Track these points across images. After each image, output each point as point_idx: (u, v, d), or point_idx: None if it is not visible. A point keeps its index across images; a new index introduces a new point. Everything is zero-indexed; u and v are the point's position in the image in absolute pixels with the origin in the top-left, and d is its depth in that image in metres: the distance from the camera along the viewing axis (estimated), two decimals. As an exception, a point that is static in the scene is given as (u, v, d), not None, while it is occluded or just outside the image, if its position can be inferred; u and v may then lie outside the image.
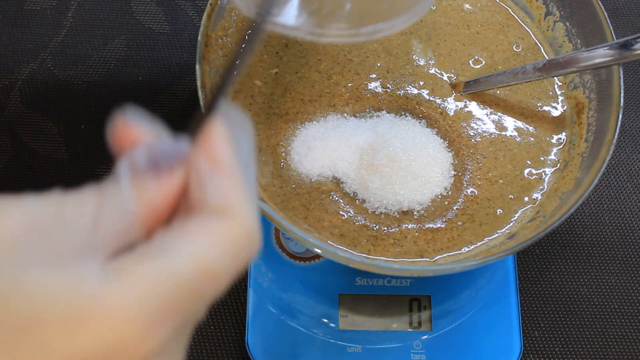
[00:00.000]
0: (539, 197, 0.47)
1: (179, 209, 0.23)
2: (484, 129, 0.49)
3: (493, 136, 0.49)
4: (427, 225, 0.45)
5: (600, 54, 0.43)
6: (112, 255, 0.21)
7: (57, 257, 0.20)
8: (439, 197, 0.46)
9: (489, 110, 0.50)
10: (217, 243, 0.22)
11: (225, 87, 0.25)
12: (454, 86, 0.50)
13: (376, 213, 0.45)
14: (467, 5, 0.53)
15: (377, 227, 0.45)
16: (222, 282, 0.22)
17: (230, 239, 0.22)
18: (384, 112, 0.49)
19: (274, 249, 0.51)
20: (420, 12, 0.36)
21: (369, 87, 0.49)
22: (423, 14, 0.37)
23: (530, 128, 0.49)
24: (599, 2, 0.46)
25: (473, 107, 0.50)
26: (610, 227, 0.56)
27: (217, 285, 0.22)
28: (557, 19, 0.51)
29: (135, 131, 0.24)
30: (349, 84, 0.49)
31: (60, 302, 0.18)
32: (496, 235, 0.46)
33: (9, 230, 0.20)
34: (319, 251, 0.40)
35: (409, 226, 0.45)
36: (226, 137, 0.24)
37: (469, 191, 0.47)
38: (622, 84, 0.44)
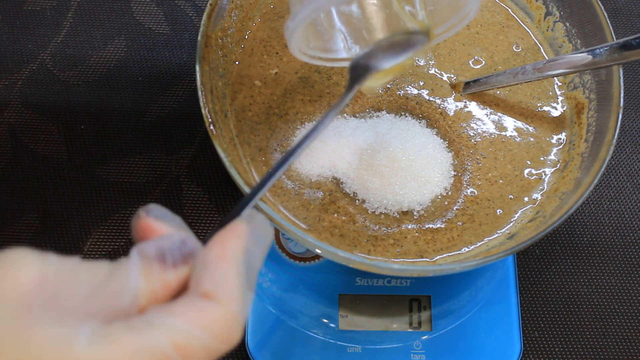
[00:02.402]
0: (539, 198, 0.47)
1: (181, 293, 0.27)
2: (483, 129, 0.49)
3: (493, 136, 0.49)
4: (427, 226, 0.45)
5: (600, 54, 0.43)
6: (109, 320, 0.24)
7: (60, 316, 0.23)
8: (439, 197, 0.46)
9: (488, 111, 0.50)
10: (196, 322, 0.25)
11: (258, 195, 0.30)
12: (453, 86, 0.50)
13: (376, 213, 0.45)
14: (467, 6, 0.53)
15: (377, 227, 0.45)
16: (198, 358, 0.24)
17: (210, 320, 0.25)
18: (384, 112, 0.49)
19: (274, 249, 0.51)
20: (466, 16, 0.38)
21: (369, 87, 0.49)
22: (470, 19, 0.39)
23: (530, 128, 0.49)
24: (599, 3, 0.46)
25: (473, 107, 0.50)
26: (610, 227, 0.56)
27: None
28: (557, 19, 0.51)
29: (153, 226, 0.28)
30: (349, 84, 0.49)
31: (50, 354, 0.22)
32: (496, 235, 0.46)
33: (24, 286, 0.23)
34: (319, 251, 0.40)
35: (409, 226, 0.45)
36: (242, 239, 0.27)
37: (468, 191, 0.47)
38: (622, 84, 0.44)
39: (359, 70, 0.38)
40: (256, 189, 0.31)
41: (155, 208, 0.28)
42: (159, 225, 0.28)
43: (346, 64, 0.40)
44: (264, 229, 0.29)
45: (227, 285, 0.26)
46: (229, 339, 0.26)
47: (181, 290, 0.27)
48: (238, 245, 0.27)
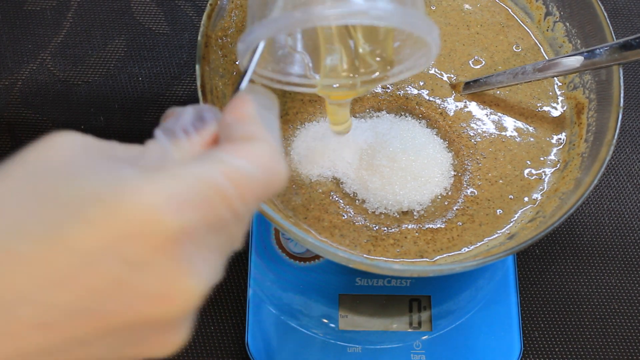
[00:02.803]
0: (539, 198, 0.47)
1: None
2: (483, 129, 0.49)
3: (493, 136, 0.49)
4: (427, 226, 0.45)
5: (600, 54, 0.43)
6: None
7: (106, 162, 0.24)
8: (439, 197, 0.46)
9: (488, 111, 0.50)
10: (244, 155, 0.25)
11: (252, 66, 0.31)
12: (453, 86, 0.50)
13: (376, 213, 0.45)
14: (466, 6, 0.53)
15: (377, 227, 0.45)
16: (247, 192, 0.25)
17: (256, 154, 0.26)
18: (384, 112, 0.49)
19: (274, 249, 0.51)
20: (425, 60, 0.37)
21: (369, 87, 0.49)
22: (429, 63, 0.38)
23: (530, 128, 0.49)
24: (599, 3, 0.46)
25: (473, 107, 0.50)
26: (610, 227, 0.56)
27: (243, 194, 0.25)
28: (557, 19, 0.51)
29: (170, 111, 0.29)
30: (349, 84, 0.49)
31: (104, 189, 0.22)
32: (496, 235, 0.46)
33: (70, 144, 0.24)
34: (319, 251, 0.40)
35: (409, 226, 0.45)
36: (252, 103, 0.28)
37: (468, 191, 0.47)
38: (622, 84, 0.44)
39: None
40: (249, 65, 0.31)
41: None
42: (174, 110, 0.29)
43: (306, 89, 0.39)
44: (267, 96, 0.30)
45: (260, 132, 0.27)
46: (277, 170, 0.26)
47: None
48: (251, 108, 0.28)
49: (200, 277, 0.24)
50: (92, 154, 0.24)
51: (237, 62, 0.49)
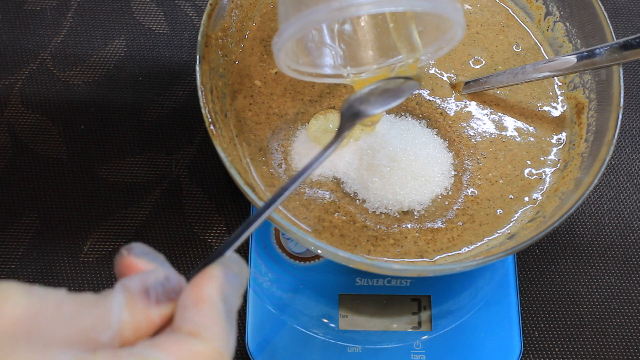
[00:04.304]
0: (539, 197, 0.47)
1: (165, 328, 0.27)
2: (484, 129, 0.49)
3: (493, 136, 0.49)
4: (427, 226, 0.45)
5: (600, 54, 0.43)
6: (93, 351, 0.25)
7: (44, 345, 0.24)
8: (439, 197, 0.46)
9: (489, 111, 0.50)
10: (181, 357, 0.25)
11: (233, 243, 0.30)
12: (454, 86, 0.50)
13: (376, 213, 0.45)
14: (467, 6, 0.53)
15: (377, 227, 0.45)
16: None
17: (195, 356, 0.25)
18: (384, 112, 0.49)
19: (274, 249, 0.51)
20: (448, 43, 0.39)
21: (369, 87, 0.49)
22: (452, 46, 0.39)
23: (530, 128, 0.49)
24: (599, 2, 0.46)
25: (473, 107, 0.50)
26: (610, 227, 0.56)
27: None
28: (557, 19, 0.51)
29: (136, 263, 0.28)
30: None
31: None
32: (496, 235, 0.46)
33: (10, 318, 0.24)
34: (319, 251, 0.40)
35: (409, 226, 0.45)
36: (216, 282, 0.28)
37: (469, 191, 0.47)
38: (622, 84, 0.44)
39: (350, 115, 0.38)
40: (238, 233, 0.31)
41: (137, 246, 0.29)
42: (142, 263, 0.28)
43: (335, 80, 0.40)
44: (239, 269, 0.30)
45: (209, 324, 0.26)
46: None
47: (164, 326, 0.27)
48: (214, 287, 0.28)
49: None
50: (31, 329, 0.24)
51: (237, 62, 0.49)
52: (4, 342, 0.23)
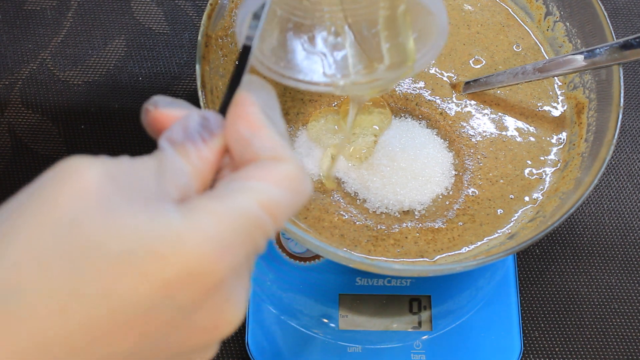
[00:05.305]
0: (539, 197, 0.47)
1: (222, 170, 0.27)
2: (484, 129, 0.49)
3: (493, 136, 0.49)
4: (427, 225, 0.45)
5: (600, 54, 0.43)
6: (178, 203, 0.24)
7: (138, 202, 0.23)
8: (440, 197, 0.46)
9: (489, 110, 0.50)
10: (275, 182, 0.25)
11: (245, 63, 0.29)
12: (454, 86, 0.50)
13: (377, 213, 0.45)
14: (467, 6, 0.53)
15: (377, 227, 0.45)
16: (280, 217, 0.25)
17: (285, 177, 0.26)
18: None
19: (274, 249, 0.51)
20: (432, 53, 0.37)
21: (369, 87, 0.49)
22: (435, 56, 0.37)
23: (531, 128, 0.49)
24: (599, 2, 0.46)
25: (473, 107, 0.50)
26: (610, 227, 0.56)
27: (277, 219, 0.25)
28: (557, 19, 0.51)
29: (167, 114, 0.28)
30: (349, 84, 0.49)
31: (150, 239, 0.22)
32: (496, 235, 0.46)
33: (94, 180, 0.23)
34: (319, 251, 0.40)
35: (410, 226, 0.45)
36: (256, 104, 0.27)
37: (469, 191, 0.47)
38: (622, 84, 0.44)
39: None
40: (245, 54, 0.29)
41: (160, 98, 0.28)
42: (172, 112, 0.28)
43: (321, 89, 0.38)
44: (266, 90, 0.29)
45: (278, 146, 0.26)
46: (304, 190, 0.26)
47: (221, 165, 0.27)
48: (257, 111, 0.27)
49: (241, 303, 0.25)
50: (120, 189, 0.23)
51: (237, 62, 0.49)
52: (103, 208, 0.22)
